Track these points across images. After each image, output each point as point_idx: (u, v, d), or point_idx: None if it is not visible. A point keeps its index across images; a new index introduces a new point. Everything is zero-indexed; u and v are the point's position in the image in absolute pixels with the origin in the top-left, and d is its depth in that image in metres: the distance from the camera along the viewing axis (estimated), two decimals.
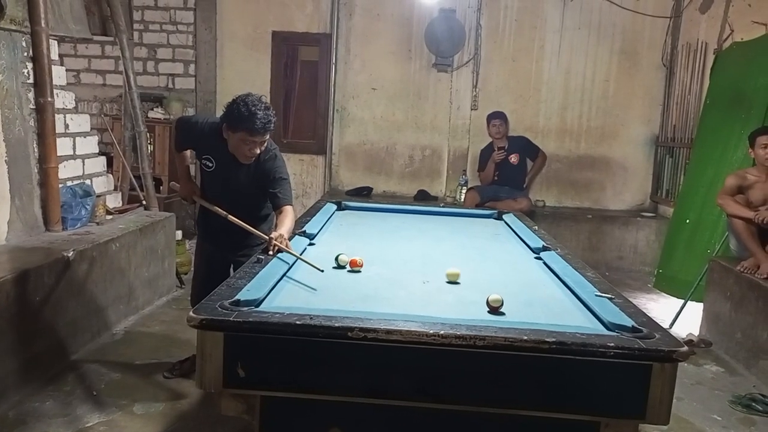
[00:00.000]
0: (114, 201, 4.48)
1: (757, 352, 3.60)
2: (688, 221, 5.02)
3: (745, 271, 3.82)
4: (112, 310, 3.76)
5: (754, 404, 3.21)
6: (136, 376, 3.20)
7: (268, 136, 2.78)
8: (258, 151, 2.78)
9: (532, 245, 3.02)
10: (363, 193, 6.23)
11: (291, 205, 2.88)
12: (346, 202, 4.02)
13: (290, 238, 2.66)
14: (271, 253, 2.44)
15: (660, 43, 6.12)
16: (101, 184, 4.32)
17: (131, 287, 4.00)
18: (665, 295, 5.05)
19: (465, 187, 5.99)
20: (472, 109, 6.27)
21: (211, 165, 2.94)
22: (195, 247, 3.35)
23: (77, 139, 4.06)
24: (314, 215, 3.40)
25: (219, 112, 3.15)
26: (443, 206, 4.88)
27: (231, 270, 2.82)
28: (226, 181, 2.93)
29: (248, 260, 2.39)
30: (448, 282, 2.33)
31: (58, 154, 3.71)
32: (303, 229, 2.97)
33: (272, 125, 2.73)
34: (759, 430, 3.01)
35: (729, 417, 3.13)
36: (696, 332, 4.23)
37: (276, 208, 2.89)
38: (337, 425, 1.79)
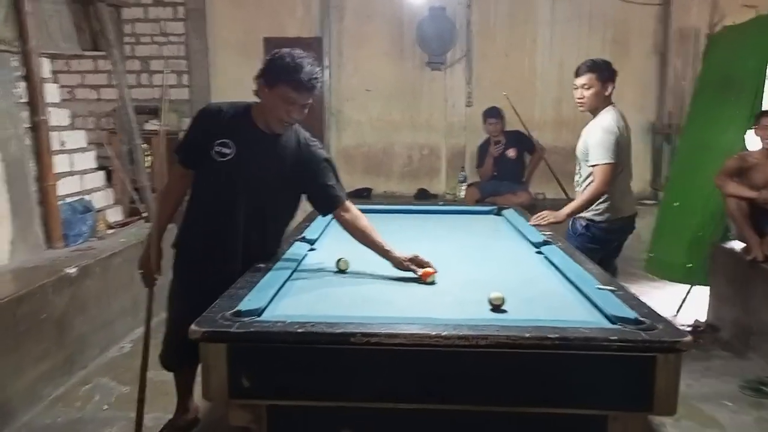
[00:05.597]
0: (115, 215, 4.49)
1: (765, 336, 3.59)
2: (676, 204, 5.01)
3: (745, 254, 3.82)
4: (118, 323, 3.78)
5: (763, 388, 3.21)
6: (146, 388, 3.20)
7: (311, 99, 2.30)
8: (297, 117, 2.29)
9: (533, 240, 3.01)
10: (363, 194, 6.22)
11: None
12: None
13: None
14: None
15: (651, 30, 6.12)
16: (101, 199, 4.33)
17: (136, 300, 3.99)
18: (668, 282, 5.03)
19: (464, 184, 5.98)
20: (467, 106, 6.28)
21: (228, 152, 2.32)
22: (169, 288, 2.69)
23: (74, 155, 4.07)
24: (314, 219, 3.40)
25: None
26: (442, 204, 4.88)
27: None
28: (248, 169, 2.33)
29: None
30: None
31: (56, 171, 3.72)
32: (302, 235, 2.97)
33: (319, 83, 2.29)
34: None
35: (739, 402, 3.13)
36: (702, 318, 4.22)
37: (334, 207, 2.42)
38: (347, 428, 1.79)
